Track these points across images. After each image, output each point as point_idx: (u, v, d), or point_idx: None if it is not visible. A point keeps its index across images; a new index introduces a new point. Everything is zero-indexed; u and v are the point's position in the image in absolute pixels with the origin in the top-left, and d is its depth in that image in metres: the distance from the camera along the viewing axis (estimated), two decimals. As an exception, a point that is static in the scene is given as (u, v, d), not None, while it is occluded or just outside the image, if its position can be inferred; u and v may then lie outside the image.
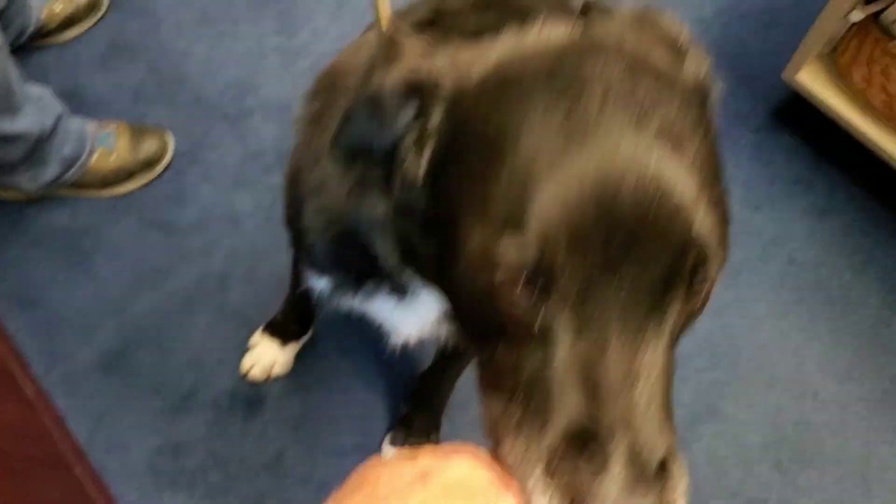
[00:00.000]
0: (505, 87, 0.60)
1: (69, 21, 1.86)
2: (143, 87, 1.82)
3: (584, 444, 0.52)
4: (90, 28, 1.88)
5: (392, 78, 0.64)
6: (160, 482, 1.51)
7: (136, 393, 1.58)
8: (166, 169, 1.75)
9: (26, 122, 1.52)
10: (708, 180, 0.57)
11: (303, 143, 0.98)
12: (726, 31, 1.88)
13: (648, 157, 0.54)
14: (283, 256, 1.67)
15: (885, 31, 1.52)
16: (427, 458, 0.56)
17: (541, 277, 0.54)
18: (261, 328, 1.58)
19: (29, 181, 1.63)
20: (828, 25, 1.54)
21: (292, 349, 1.60)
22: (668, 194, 0.54)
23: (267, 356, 1.58)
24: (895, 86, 1.53)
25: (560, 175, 0.54)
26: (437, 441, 1.54)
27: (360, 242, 0.79)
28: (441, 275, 0.66)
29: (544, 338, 0.56)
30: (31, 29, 1.80)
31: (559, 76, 0.58)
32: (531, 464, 0.54)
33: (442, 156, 0.63)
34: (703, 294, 0.59)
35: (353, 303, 1.01)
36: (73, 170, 1.65)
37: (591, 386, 0.53)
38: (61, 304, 1.64)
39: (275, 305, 1.62)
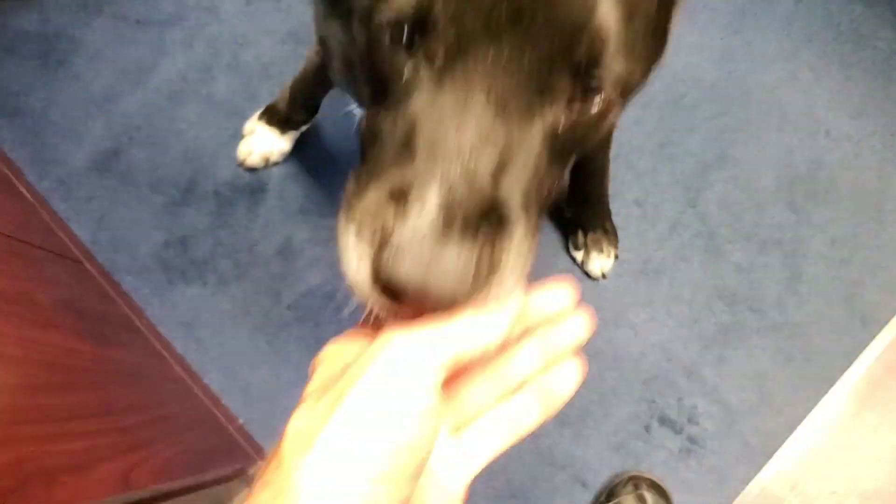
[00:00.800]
0: None
1: None
2: None
3: (402, 196, 0.49)
4: None
5: None
6: (171, 274, 1.50)
7: (135, 191, 1.55)
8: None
9: None
10: None
11: None
12: None
13: None
14: (266, 41, 1.61)
15: None
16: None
17: (416, 26, 0.51)
18: (257, 114, 1.53)
19: None
20: None
21: (291, 137, 1.55)
22: None
23: (264, 144, 1.53)
24: None
25: None
26: (614, 231, 1.50)
27: None
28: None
29: (405, 95, 0.53)
30: None
31: None
32: (352, 219, 0.50)
33: None
34: (596, 104, 0.54)
35: None
36: None
37: (430, 147, 0.50)
38: (45, 110, 1.59)
39: (263, 92, 1.57)
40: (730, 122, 1.57)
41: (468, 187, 0.49)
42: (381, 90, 0.56)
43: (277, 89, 1.52)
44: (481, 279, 0.48)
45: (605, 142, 1.31)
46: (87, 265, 1.46)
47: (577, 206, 1.48)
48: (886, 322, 1.51)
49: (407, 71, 0.53)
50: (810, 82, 1.59)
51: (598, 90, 0.54)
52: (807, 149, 1.57)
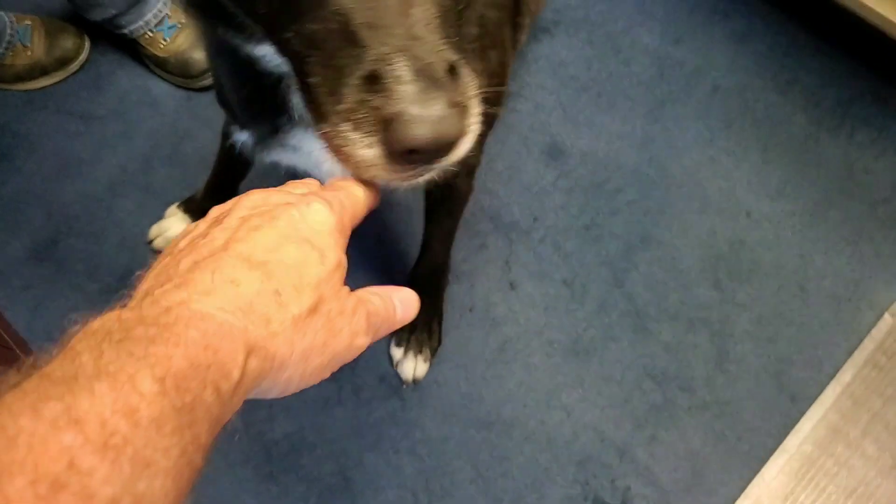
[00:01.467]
0: None
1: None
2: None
3: (375, 82, 0.54)
4: None
5: None
6: (102, 361, 1.50)
7: (71, 279, 1.57)
8: (81, 67, 1.72)
9: None
10: None
11: None
12: None
13: None
14: (205, 134, 1.67)
15: None
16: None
17: None
18: (178, 202, 1.57)
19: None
20: None
21: None
22: None
23: (174, 229, 1.56)
24: None
25: None
26: (439, 336, 1.51)
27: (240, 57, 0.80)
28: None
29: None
30: None
31: None
32: (338, 124, 0.56)
33: None
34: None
35: (276, 152, 1.01)
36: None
37: (369, 29, 0.55)
38: (-14, 202, 1.63)
39: (201, 182, 1.61)
40: (652, 204, 1.62)
41: (422, 48, 0.55)
42: (292, 11, 0.60)
43: (215, 180, 1.57)
44: (463, 118, 0.56)
45: (457, 210, 1.35)
46: (18, 352, 1.47)
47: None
48: (815, 398, 1.52)
49: None
50: (730, 166, 1.65)
51: None
52: (729, 230, 1.61)
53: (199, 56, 1.69)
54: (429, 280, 1.49)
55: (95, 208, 1.62)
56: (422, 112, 0.53)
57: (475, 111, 0.58)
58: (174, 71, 1.70)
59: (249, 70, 0.81)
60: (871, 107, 1.68)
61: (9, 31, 1.66)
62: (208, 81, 1.70)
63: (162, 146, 1.66)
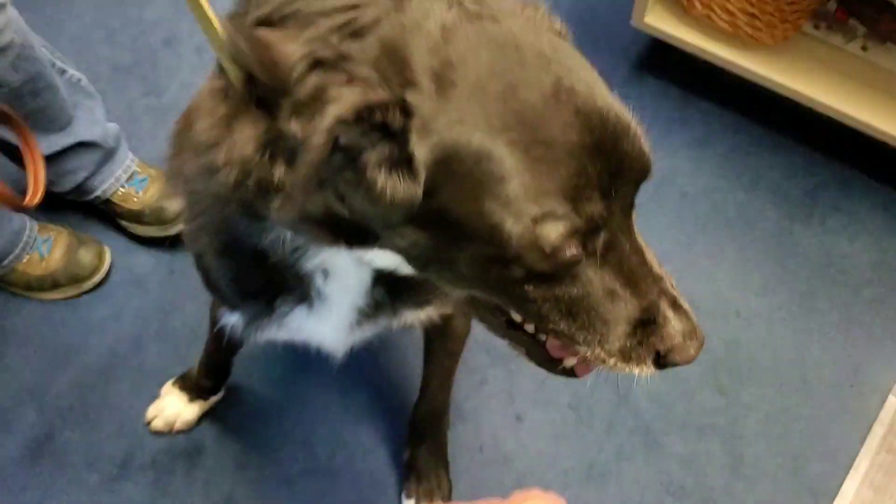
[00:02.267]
0: (464, 93, 0.62)
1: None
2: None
3: (647, 325, 0.72)
4: None
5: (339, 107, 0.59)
6: (113, 555, 1.46)
7: (71, 473, 1.53)
8: (95, 287, 1.70)
9: None
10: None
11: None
12: (575, 1, 1.95)
13: (606, 103, 0.65)
14: (192, 306, 1.67)
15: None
16: None
17: (587, 231, 0.65)
18: (173, 379, 1.56)
19: None
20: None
21: (199, 407, 1.55)
22: (628, 126, 0.65)
23: (171, 409, 1.54)
24: (734, 3, 1.61)
25: (556, 157, 0.62)
26: (448, 480, 1.50)
27: (248, 244, 0.81)
28: (432, 260, 0.71)
29: (581, 269, 0.68)
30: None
31: (503, 68, 0.63)
32: (613, 359, 0.75)
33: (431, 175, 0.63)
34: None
35: (270, 331, 1.01)
36: None
37: (630, 284, 0.70)
38: (-24, 405, 1.60)
39: (193, 356, 1.60)
40: (644, 317, 1.63)
41: (667, 287, 0.74)
42: (527, 279, 0.69)
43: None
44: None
45: (456, 348, 1.35)
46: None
47: (413, 447, 1.49)
48: (836, 492, 1.51)
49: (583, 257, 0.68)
50: (711, 268, 1.68)
51: None
52: (722, 331, 1.63)
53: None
54: (429, 423, 1.48)
55: (89, 396, 1.60)
56: (692, 342, 0.76)
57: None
58: (150, 221, 1.70)
59: (250, 255, 0.83)
60: (838, 193, 1.73)
61: (27, 235, 1.63)
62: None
63: (150, 324, 1.65)
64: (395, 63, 0.61)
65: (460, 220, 0.64)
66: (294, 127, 0.60)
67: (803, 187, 1.74)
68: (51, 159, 1.57)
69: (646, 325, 0.72)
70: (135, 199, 1.70)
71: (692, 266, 1.68)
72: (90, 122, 1.63)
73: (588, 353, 0.73)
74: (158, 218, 1.70)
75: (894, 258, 1.68)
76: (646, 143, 0.67)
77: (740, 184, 1.75)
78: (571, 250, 0.65)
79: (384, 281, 0.90)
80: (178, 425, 1.55)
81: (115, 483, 1.52)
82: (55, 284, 1.66)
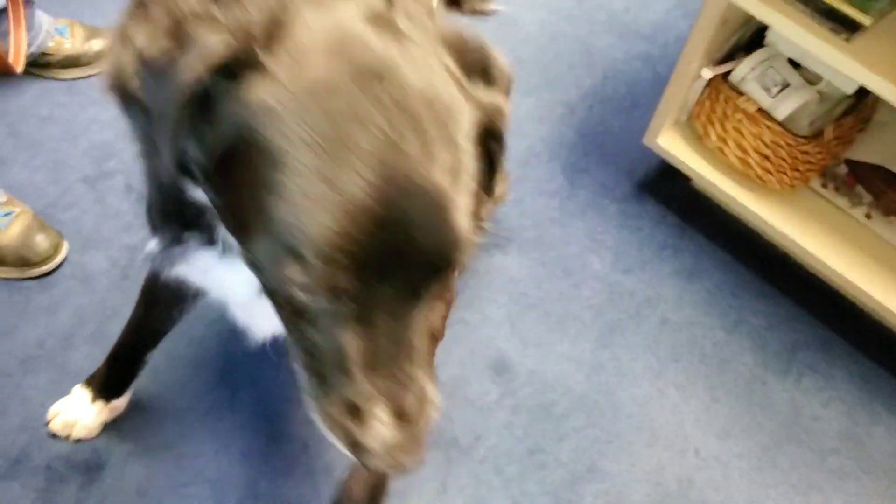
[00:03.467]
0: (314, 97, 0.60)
1: (72, 60, 1.85)
2: (0, 147, 1.75)
3: (357, 410, 0.69)
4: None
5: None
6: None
7: (-45, 461, 1.40)
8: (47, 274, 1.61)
9: None
10: (458, 182, 0.64)
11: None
12: (591, 112, 1.96)
13: (422, 183, 0.60)
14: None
15: (735, 89, 1.61)
16: None
17: (326, 290, 0.63)
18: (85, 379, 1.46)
19: None
20: (680, 86, 1.62)
21: (99, 412, 1.43)
22: (433, 213, 0.61)
23: (72, 409, 1.42)
24: (749, 141, 1.61)
25: (330, 205, 0.59)
26: None
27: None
28: (238, 236, 0.71)
29: (329, 323, 0.67)
30: (31, 51, 1.77)
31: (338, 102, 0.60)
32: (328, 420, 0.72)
33: (231, 143, 0.63)
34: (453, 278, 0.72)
35: (181, 267, 0.95)
36: None
37: (365, 365, 0.67)
38: None
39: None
40: (600, 433, 1.55)
41: (406, 397, 0.69)
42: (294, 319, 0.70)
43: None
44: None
45: None
46: None
47: None
48: None
49: (327, 313, 0.67)
50: (678, 400, 1.61)
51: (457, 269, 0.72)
52: (677, 466, 1.54)
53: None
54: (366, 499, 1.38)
55: (2, 383, 1.48)
56: (388, 457, 0.70)
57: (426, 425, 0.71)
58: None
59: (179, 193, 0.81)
60: (818, 354, 1.68)
61: None
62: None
63: (86, 324, 1.55)
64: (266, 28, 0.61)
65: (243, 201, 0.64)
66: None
67: (784, 340, 1.69)
68: None
69: (357, 412, 0.69)
70: (66, 46, 1.82)
71: (660, 394, 1.60)
72: None
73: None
74: (96, 55, 1.84)
75: (864, 433, 1.61)
76: (451, 240, 0.63)
77: (721, 323, 1.70)
78: (309, 297, 0.64)
79: None
80: (76, 430, 1.42)
81: (1, 480, 1.38)
82: (1, 262, 1.57)
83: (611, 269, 1.73)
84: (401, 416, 0.68)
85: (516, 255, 1.73)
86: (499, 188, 1.50)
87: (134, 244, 1.65)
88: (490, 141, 0.71)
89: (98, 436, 1.44)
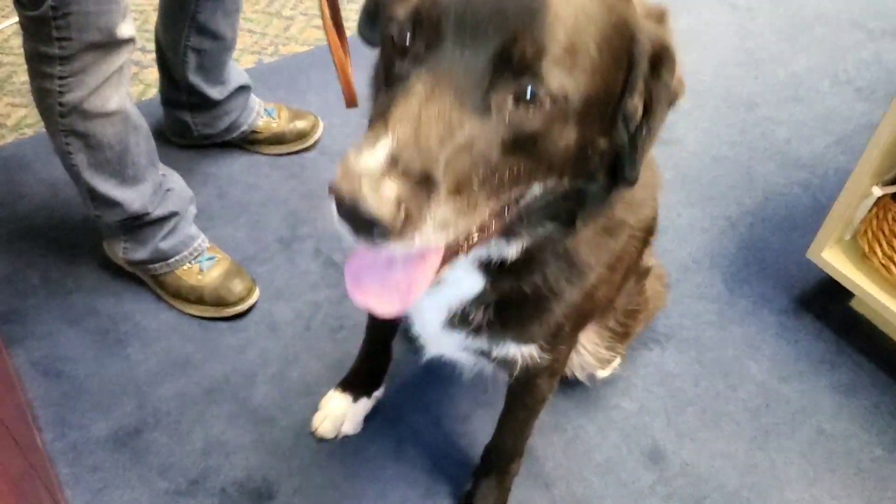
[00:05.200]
0: None
1: (277, 138, 2.09)
2: (210, 206, 1.96)
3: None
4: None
5: None
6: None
7: (143, 471, 1.51)
8: (235, 317, 1.77)
9: (132, 195, 1.61)
10: (573, 29, 0.70)
11: None
12: (751, 229, 2.03)
13: None
14: (314, 363, 1.70)
15: (904, 208, 1.66)
16: None
17: (410, 30, 0.70)
18: (334, 387, 1.61)
19: (122, 251, 1.72)
20: (848, 203, 1.68)
21: (363, 406, 1.60)
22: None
23: (338, 409, 1.58)
24: (916, 260, 1.64)
25: None
26: None
27: None
28: None
29: (397, 80, 0.71)
30: (243, 129, 2.04)
31: None
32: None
33: None
34: (538, 111, 0.70)
35: None
36: (160, 264, 1.73)
37: (397, 117, 0.67)
38: (87, 379, 1.64)
39: (298, 407, 1.62)
40: (752, 532, 1.53)
41: (414, 149, 0.65)
42: (387, 78, 0.75)
43: (310, 412, 1.59)
44: (405, 223, 0.64)
45: (536, 406, 1.37)
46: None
47: (476, 479, 1.50)
48: None
49: (398, 64, 0.72)
50: (833, 511, 1.58)
51: (536, 96, 0.69)
52: (832, 577, 1.50)
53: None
54: (496, 460, 1.48)
55: (188, 409, 1.61)
56: (355, 176, 0.64)
57: (425, 230, 0.66)
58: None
59: None
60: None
61: (197, 243, 1.76)
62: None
63: (269, 367, 1.68)
64: None
65: None
66: None
67: (945, 466, 1.65)
68: (215, 104, 1.93)
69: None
70: (273, 125, 2.04)
71: (814, 500, 1.58)
72: (238, 71, 1.96)
73: None
74: (298, 134, 2.08)
75: None
76: (530, 11, 0.68)
77: (880, 441, 1.68)
78: (399, 40, 0.72)
79: (497, 293, 1.00)
80: (346, 427, 1.58)
81: (179, 497, 1.49)
82: (200, 300, 1.73)
83: (768, 376, 1.75)
84: (358, 149, 0.65)
85: (674, 352, 1.78)
86: (655, 281, 1.59)
87: (318, 301, 1.79)
88: (651, 80, 0.78)
89: (271, 467, 1.54)
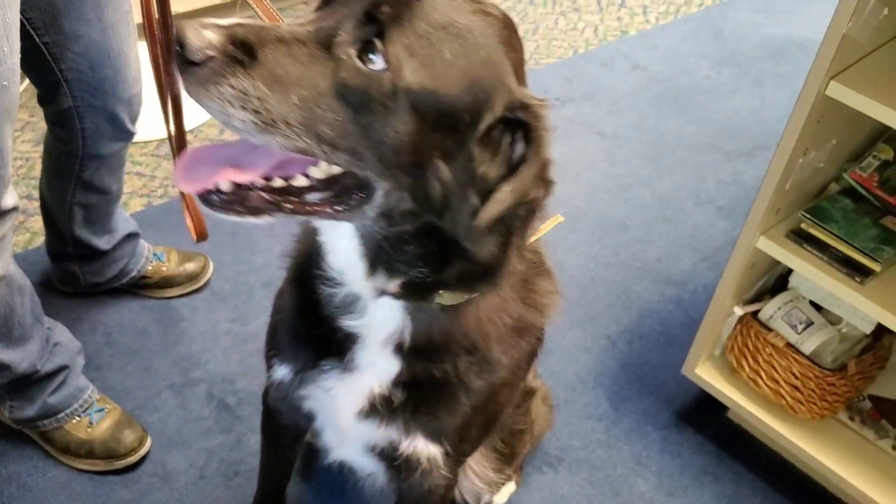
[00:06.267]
0: None
1: (167, 281, 2.07)
2: (99, 355, 1.93)
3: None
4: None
5: None
6: None
7: None
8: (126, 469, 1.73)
9: (19, 356, 1.56)
10: (437, 25, 0.76)
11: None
12: (630, 346, 2.14)
13: None
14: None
15: (764, 325, 1.80)
16: None
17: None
18: None
19: (8, 410, 1.66)
20: (715, 322, 1.81)
21: None
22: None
23: None
24: (780, 373, 1.77)
25: None
26: None
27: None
28: None
29: None
30: (132, 275, 2.02)
31: None
32: None
33: None
34: (371, 74, 0.75)
35: (310, 387, 1.12)
36: (48, 420, 1.68)
37: (267, 24, 0.75)
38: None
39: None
40: None
41: (254, 32, 0.73)
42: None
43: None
44: (210, 66, 0.70)
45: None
46: None
47: None
48: None
49: None
50: None
51: (374, 60, 0.74)
52: None
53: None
54: None
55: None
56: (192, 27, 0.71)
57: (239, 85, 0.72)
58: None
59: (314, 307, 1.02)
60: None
61: (87, 395, 1.72)
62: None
63: (162, 521, 1.65)
64: None
65: None
66: None
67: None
68: (103, 254, 1.93)
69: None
70: (163, 269, 2.05)
71: None
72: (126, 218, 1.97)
73: None
74: (188, 276, 2.09)
75: None
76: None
77: (763, 548, 1.77)
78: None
79: (411, 375, 1.04)
80: None
81: None
82: (90, 454, 1.70)
83: (655, 492, 1.83)
84: (231, 33, 0.72)
85: (567, 473, 1.84)
86: (540, 406, 1.66)
87: (212, 447, 1.78)
88: (515, 133, 0.82)
89: None
